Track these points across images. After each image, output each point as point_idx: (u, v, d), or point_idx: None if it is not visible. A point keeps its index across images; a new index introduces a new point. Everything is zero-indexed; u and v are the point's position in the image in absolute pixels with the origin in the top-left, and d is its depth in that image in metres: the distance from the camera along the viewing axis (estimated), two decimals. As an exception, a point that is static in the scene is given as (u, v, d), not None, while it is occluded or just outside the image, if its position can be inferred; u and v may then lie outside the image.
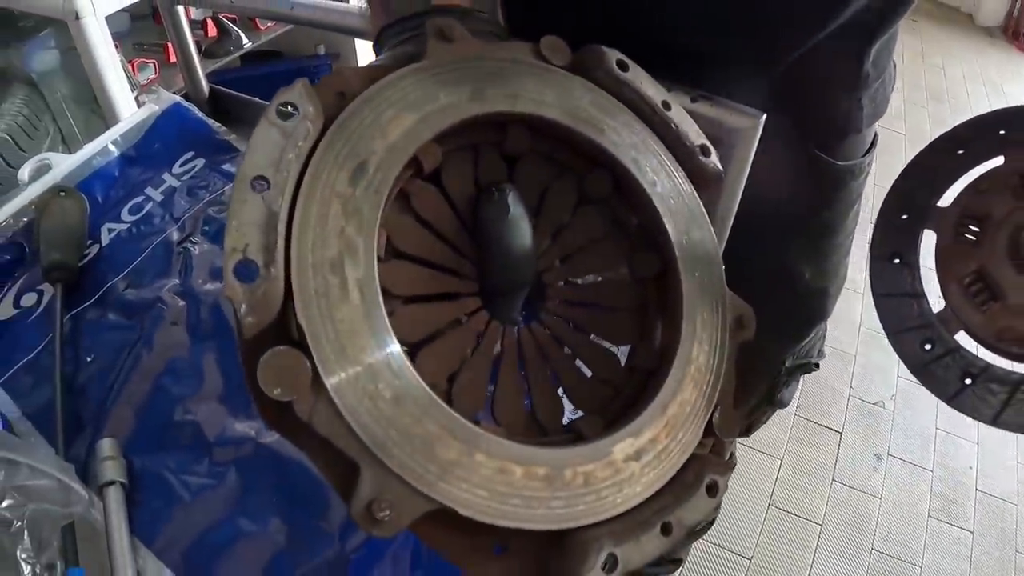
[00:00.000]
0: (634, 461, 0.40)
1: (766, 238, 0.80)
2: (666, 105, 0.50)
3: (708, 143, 0.50)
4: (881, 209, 0.55)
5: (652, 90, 0.50)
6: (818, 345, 1.02)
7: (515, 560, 0.37)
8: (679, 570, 1.74)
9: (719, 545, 1.85)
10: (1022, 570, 2.00)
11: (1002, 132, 0.53)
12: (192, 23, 1.56)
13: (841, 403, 2.20)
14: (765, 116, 0.56)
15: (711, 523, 0.62)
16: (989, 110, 0.54)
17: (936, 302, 0.52)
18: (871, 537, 1.95)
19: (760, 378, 1.01)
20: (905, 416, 2.24)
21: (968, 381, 0.47)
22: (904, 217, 0.53)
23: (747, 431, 1.17)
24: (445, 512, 0.34)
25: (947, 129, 0.54)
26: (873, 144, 0.82)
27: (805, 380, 2.12)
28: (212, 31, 2.08)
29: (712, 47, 0.64)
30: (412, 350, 0.41)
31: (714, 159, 0.49)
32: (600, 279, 0.51)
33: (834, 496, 2.00)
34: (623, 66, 0.49)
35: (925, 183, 0.54)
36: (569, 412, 0.47)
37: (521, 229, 0.44)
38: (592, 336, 0.49)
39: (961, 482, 2.13)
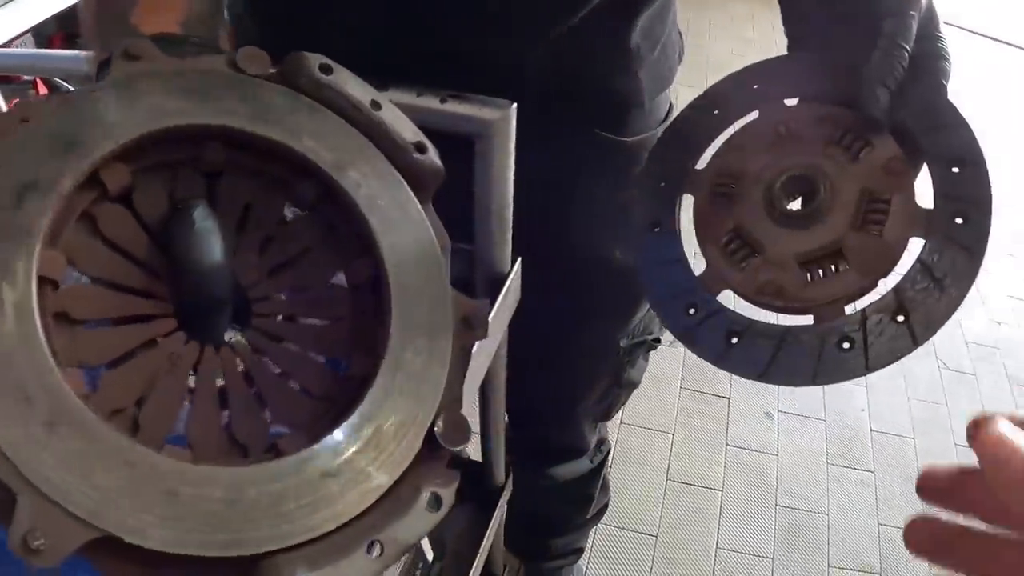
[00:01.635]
0: (332, 478, 0.38)
1: (571, 224, 0.81)
2: (375, 105, 0.48)
3: (424, 140, 0.48)
4: (638, 179, 0.56)
5: (359, 91, 0.48)
6: (654, 320, 1.01)
7: None
8: (584, 559, 1.69)
9: (622, 527, 1.79)
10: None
11: (755, 87, 0.56)
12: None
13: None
14: (515, 105, 0.55)
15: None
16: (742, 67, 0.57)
17: (697, 264, 0.52)
18: (773, 494, 1.91)
19: (603, 362, 1.01)
20: (790, 372, 2.23)
21: (734, 340, 0.48)
22: (662, 184, 0.54)
23: (606, 415, 1.17)
24: (115, 540, 0.32)
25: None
26: (669, 113, 0.84)
27: (685, 353, 2.14)
28: None
29: (469, 46, 0.64)
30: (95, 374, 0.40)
31: (431, 155, 0.48)
32: (312, 290, 0.49)
33: (730, 460, 1.97)
34: (326, 70, 0.48)
35: (682, 147, 0.55)
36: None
37: (210, 244, 0.42)
38: (306, 349, 0.47)
39: (855, 426, 2.12)
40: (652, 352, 1.06)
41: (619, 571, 1.73)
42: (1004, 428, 0.32)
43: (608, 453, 1.33)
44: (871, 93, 0.49)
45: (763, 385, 1.86)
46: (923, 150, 0.49)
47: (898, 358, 0.45)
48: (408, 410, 0.41)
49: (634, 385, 1.10)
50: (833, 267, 0.48)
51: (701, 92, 0.55)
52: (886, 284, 0.48)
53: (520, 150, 0.58)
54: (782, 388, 2.16)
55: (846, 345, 0.45)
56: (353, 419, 0.40)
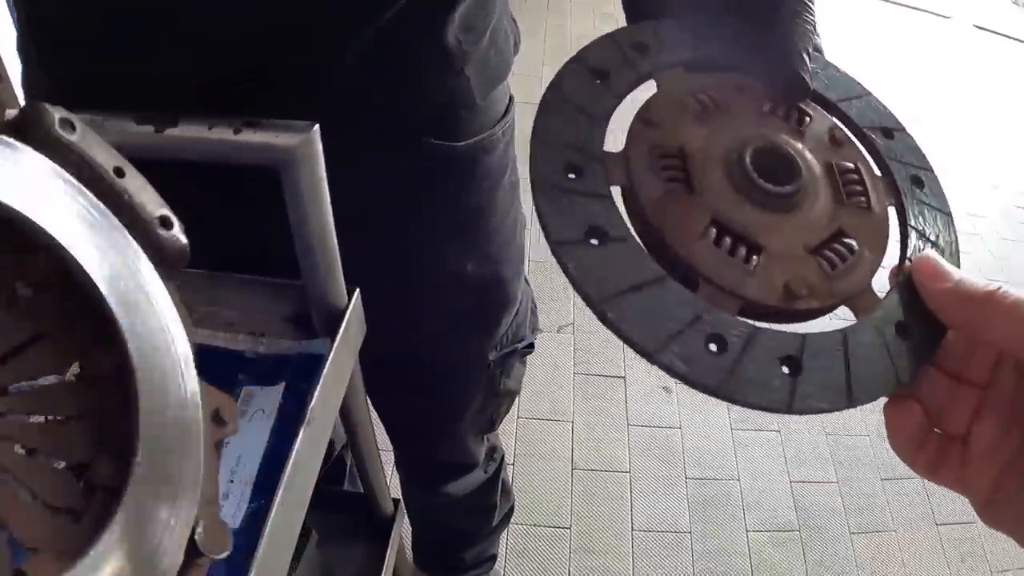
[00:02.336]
0: None
1: (414, 240, 0.73)
2: (119, 172, 0.40)
3: (169, 214, 0.41)
4: (619, 29, 0.46)
5: (103, 155, 0.40)
6: (525, 325, 0.95)
7: None
8: (500, 563, 1.59)
9: (535, 524, 1.70)
10: (836, 451, 1.99)
11: (640, 53, 0.46)
12: None
13: (616, 349, 2.12)
14: (316, 126, 0.48)
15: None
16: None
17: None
18: (682, 468, 1.86)
19: (474, 377, 0.94)
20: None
21: (594, 240, 0.37)
22: (637, 51, 0.44)
23: (490, 427, 1.09)
24: None
25: None
26: (508, 109, 0.75)
27: (576, 337, 2.08)
28: None
29: (266, 64, 0.57)
30: None
31: (176, 232, 0.41)
32: (43, 383, 0.40)
33: (635, 440, 1.91)
34: (67, 126, 0.39)
35: (577, 128, 0.42)
36: None
37: None
38: (38, 453, 0.37)
39: (754, 389, 2.11)
40: (543, 337, 1.00)
41: (537, 569, 1.65)
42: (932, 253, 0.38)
43: (502, 460, 1.26)
44: (801, 60, 0.44)
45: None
46: (851, 119, 0.47)
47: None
48: (166, 520, 0.35)
49: (513, 393, 1.04)
50: (843, 249, 0.40)
51: (571, 57, 0.43)
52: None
53: (346, 167, 0.52)
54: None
55: (900, 335, 0.38)
56: (106, 536, 0.33)
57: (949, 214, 0.45)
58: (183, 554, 0.35)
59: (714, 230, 0.38)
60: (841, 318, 0.39)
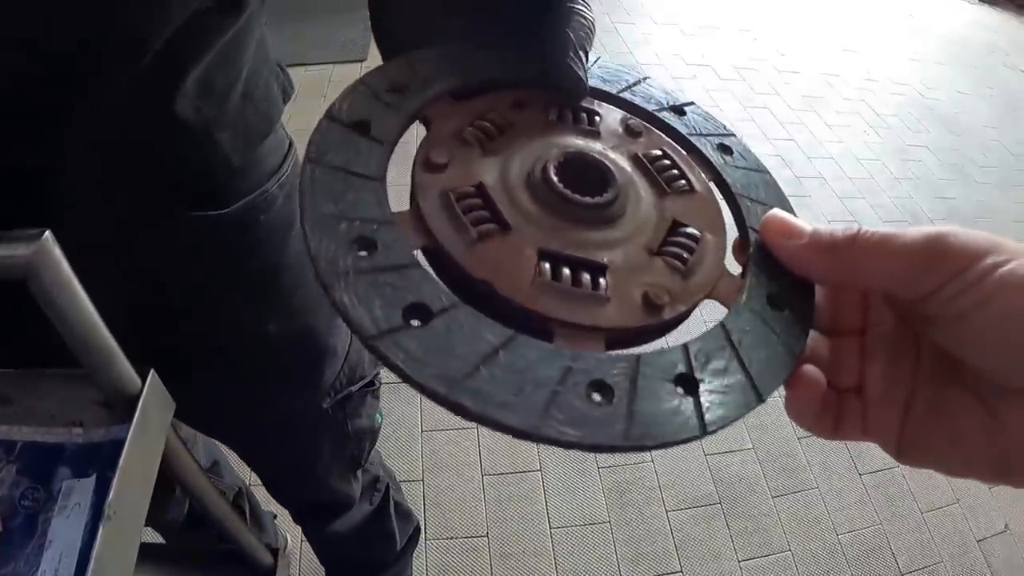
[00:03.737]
0: None
1: (205, 312, 0.68)
2: None
3: None
4: (369, 72, 0.39)
5: None
6: (362, 364, 0.90)
7: None
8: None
9: (451, 537, 1.66)
10: (750, 418, 1.97)
11: (399, 93, 0.40)
12: None
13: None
14: (48, 232, 0.42)
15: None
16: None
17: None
18: (593, 459, 1.84)
19: (314, 427, 0.90)
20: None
21: (416, 322, 0.29)
22: (395, 93, 0.39)
23: (355, 464, 1.05)
24: None
25: None
26: (285, 158, 0.70)
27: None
28: None
29: None
30: None
31: None
32: None
33: (545, 437, 1.88)
34: None
35: (443, 69, 0.41)
36: None
37: None
38: None
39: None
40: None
41: (459, 583, 1.61)
42: (777, 211, 0.37)
43: (387, 488, 1.22)
44: (573, 58, 0.41)
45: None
46: (639, 106, 0.45)
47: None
48: None
49: (368, 430, 0.99)
50: (686, 240, 0.37)
51: (326, 112, 0.36)
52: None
53: (112, 256, 0.51)
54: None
55: (775, 307, 0.35)
56: None
57: (766, 171, 0.43)
58: None
59: (547, 264, 0.33)
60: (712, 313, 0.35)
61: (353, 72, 3.17)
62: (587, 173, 0.37)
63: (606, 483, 1.79)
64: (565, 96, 0.42)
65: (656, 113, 0.45)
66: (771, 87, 3.64)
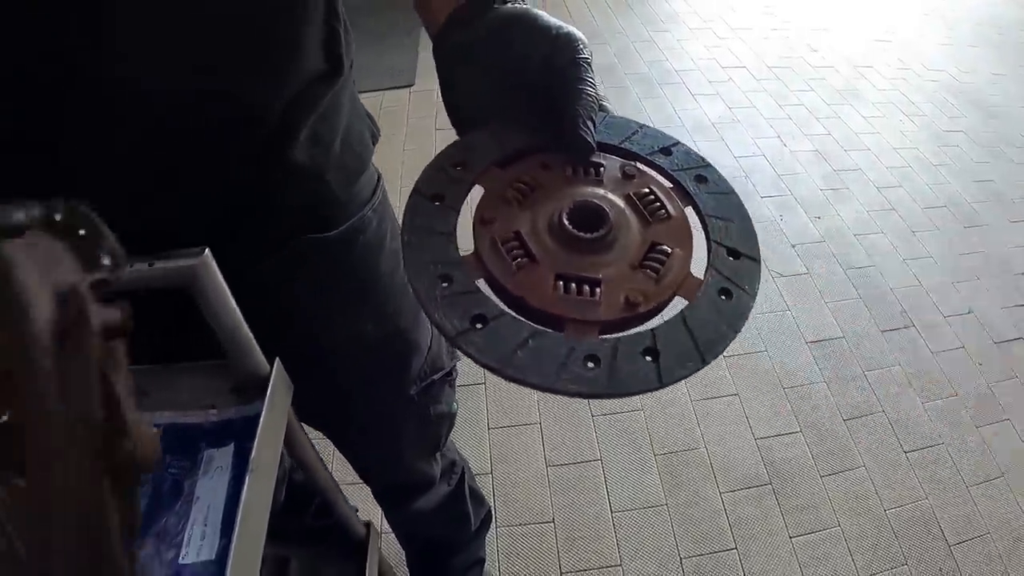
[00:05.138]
0: None
1: (317, 316, 0.85)
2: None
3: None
4: (440, 154, 0.58)
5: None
6: (441, 356, 1.06)
7: None
8: (493, 564, 1.69)
9: (520, 524, 1.81)
10: (795, 402, 2.07)
11: (457, 168, 0.59)
12: None
13: (573, 347, 2.24)
14: (207, 249, 0.60)
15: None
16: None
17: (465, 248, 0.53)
18: (649, 447, 1.97)
19: (402, 413, 1.06)
20: (636, 331, 2.32)
21: (479, 325, 0.48)
22: (458, 168, 0.56)
23: (435, 448, 1.20)
24: None
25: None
26: (375, 190, 0.86)
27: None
28: None
29: (154, 219, 0.62)
30: None
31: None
32: None
33: (601, 430, 2.02)
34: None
35: (491, 146, 0.58)
36: None
37: None
38: None
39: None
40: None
41: (529, 565, 1.75)
42: None
43: (463, 472, 1.37)
44: (583, 126, 0.56)
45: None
46: (635, 152, 0.60)
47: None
48: None
49: (449, 416, 1.15)
50: (660, 255, 0.52)
51: (413, 188, 0.54)
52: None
53: (245, 271, 0.65)
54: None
55: (725, 297, 0.50)
56: None
57: (733, 192, 0.57)
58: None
59: (561, 283, 0.49)
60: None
61: (403, 98, 3.35)
62: (589, 216, 0.53)
63: (661, 468, 1.92)
64: (578, 159, 0.57)
65: (648, 156, 0.59)
66: (806, 83, 3.72)
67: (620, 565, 1.73)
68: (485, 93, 0.60)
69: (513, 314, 0.47)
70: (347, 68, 0.74)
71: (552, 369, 0.44)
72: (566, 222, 0.52)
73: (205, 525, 0.57)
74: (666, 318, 0.48)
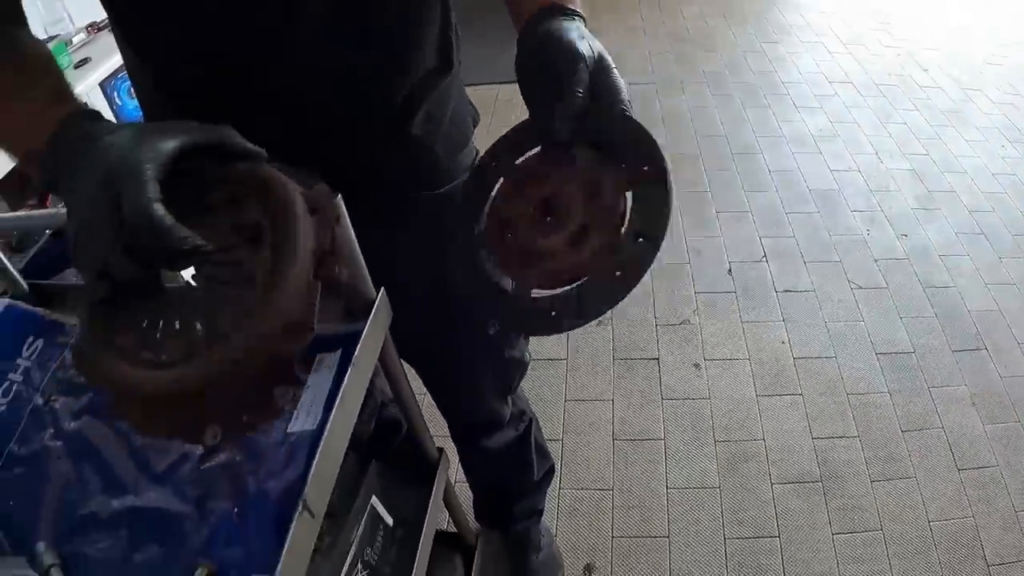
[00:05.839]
0: None
1: (417, 257, 1.03)
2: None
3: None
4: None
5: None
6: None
7: None
8: (552, 519, 1.88)
9: (581, 488, 1.98)
10: (856, 408, 2.17)
11: (493, 164, 0.84)
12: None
13: (650, 333, 2.39)
14: (339, 195, 0.70)
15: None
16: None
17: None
18: (711, 432, 2.11)
19: (481, 349, 1.25)
20: (710, 324, 2.45)
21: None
22: (495, 164, 0.82)
23: (508, 389, 1.42)
24: None
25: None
26: (475, 158, 1.06)
27: (615, 325, 2.35)
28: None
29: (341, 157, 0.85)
30: None
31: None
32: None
33: (668, 412, 2.16)
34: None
35: (516, 145, 0.83)
36: None
37: None
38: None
39: (778, 358, 2.32)
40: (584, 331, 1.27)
41: (585, 524, 1.92)
42: None
43: (530, 423, 1.54)
44: (560, 125, 0.73)
45: (687, 341, 2.22)
46: (611, 144, 0.74)
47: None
48: None
49: (521, 363, 1.33)
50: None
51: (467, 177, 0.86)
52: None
53: (370, 222, 0.79)
54: (705, 340, 2.37)
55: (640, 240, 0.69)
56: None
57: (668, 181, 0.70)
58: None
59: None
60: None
61: (515, 91, 3.53)
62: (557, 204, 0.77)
63: (720, 454, 2.05)
64: (548, 140, 0.77)
65: (615, 149, 0.75)
66: (911, 103, 3.72)
67: (668, 537, 1.88)
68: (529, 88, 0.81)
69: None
70: (456, 65, 0.95)
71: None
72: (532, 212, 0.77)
73: (312, 405, 0.69)
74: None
